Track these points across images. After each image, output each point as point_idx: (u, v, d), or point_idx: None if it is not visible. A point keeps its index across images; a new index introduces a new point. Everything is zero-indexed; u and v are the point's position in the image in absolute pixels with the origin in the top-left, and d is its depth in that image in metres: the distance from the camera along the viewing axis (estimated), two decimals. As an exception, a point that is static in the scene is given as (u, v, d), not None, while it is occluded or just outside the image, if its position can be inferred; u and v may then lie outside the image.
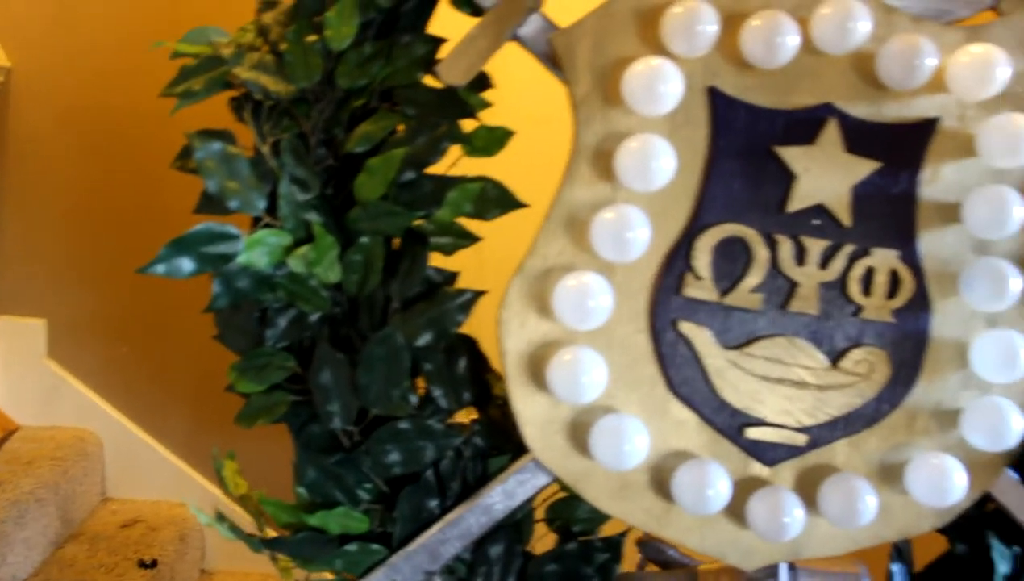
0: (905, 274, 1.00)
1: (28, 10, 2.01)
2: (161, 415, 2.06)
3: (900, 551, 1.12)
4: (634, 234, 0.96)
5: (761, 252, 0.99)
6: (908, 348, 1.01)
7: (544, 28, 1.04)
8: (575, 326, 0.97)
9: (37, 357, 2.03)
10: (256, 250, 1.00)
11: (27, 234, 2.06)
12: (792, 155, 0.99)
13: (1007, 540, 1.11)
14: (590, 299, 0.96)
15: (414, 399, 1.03)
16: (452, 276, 1.07)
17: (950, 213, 1.01)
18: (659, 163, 0.96)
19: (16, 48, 2.02)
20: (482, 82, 1.08)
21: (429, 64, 1.05)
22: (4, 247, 2.06)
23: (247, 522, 1.07)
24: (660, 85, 0.96)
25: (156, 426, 2.07)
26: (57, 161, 2.03)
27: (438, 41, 1.07)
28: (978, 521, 1.11)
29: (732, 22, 0.99)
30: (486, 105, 1.07)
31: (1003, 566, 1.09)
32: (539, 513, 1.11)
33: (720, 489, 0.98)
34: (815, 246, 1.00)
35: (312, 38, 1.03)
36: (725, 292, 1.00)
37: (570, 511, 1.07)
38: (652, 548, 1.09)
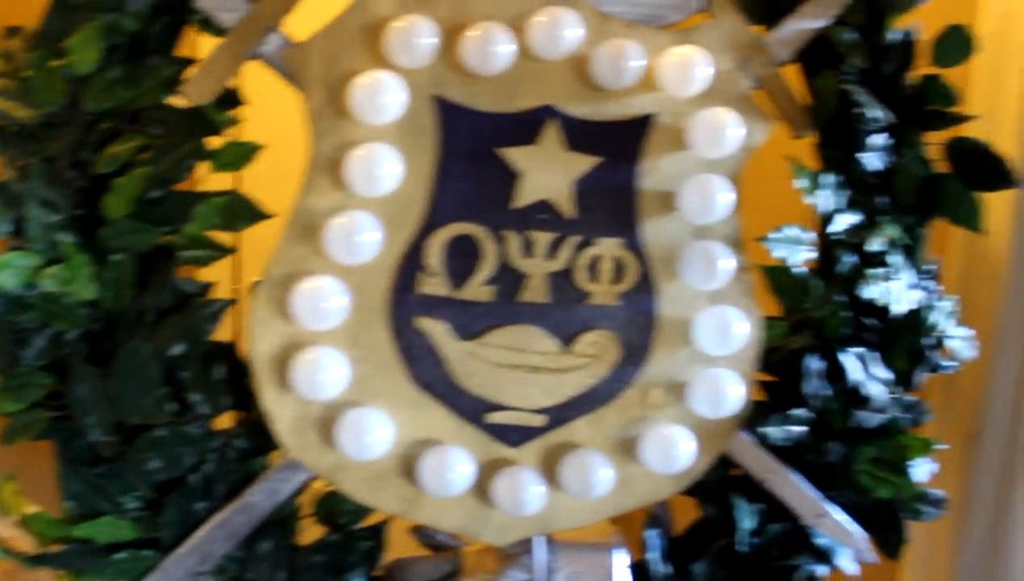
0: (629, 260, 1.09)
1: None
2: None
3: (655, 517, 1.21)
4: (363, 237, 1.03)
5: (490, 247, 1.07)
6: (636, 329, 1.10)
7: (283, 46, 1.10)
8: (313, 327, 1.04)
9: None
10: (4, 273, 1.03)
11: None
12: (515, 155, 1.07)
13: (753, 499, 1.21)
14: (323, 301, 1.03)
15: (171, 407, 1.07)
16: (206, 287, 1.12)
17: (668, 202, 1.10)
18: (384, 169, 1.03)
19: None
20: (230, 99, 1.13)
21: (175, 85, 1.10)
22: None
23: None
24: (382, 96, 1.03)
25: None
26: None
27: (185, 62, 1.12)
28: (725, 484, 1.21)
29: (455, 33, 1.06)
30: (234, 122, 1.13)
31: (746, 522, 1.19)
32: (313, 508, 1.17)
33: (461, 472, 1.06)
34: (542, 239, 1.08)
35: (57, 63, 1.07)
36: (458, 287, 1.07)
37: (335, 504, 1.14)
38: (424, 533, 1.16)
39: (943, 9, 1.24)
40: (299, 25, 1.11)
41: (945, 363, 1.25)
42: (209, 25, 1.11)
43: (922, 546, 1.44)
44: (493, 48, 1.04)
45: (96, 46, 1.07)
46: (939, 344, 1.26)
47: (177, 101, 1.11)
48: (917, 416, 1.25)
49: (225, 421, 1.14)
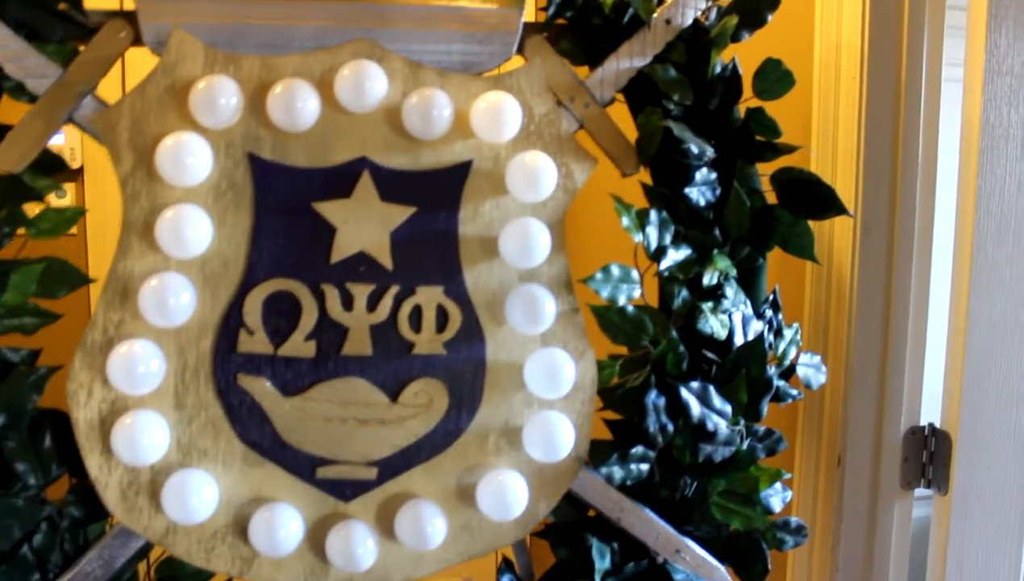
0: (452, 308, 1.11)
1: None
2: None
3: (509, 563, 1.22)
4: (177, 300, 1.04)
5: (310, 303, 1.08)
6: (466, 376, 1.12)
7: (98, 109, 1.12)
8: (132, 391, 1.05)
9: None
10: None
11: None
12: (330, 209, 1.09)
13: (609, 539, 1.22)
14: (140, 365, 1.04)
15: (-5, 479, 1.08)
16: (34, 354, 1.12)
17: (490, 247, 1.12)
18: (194, 231, 1.04)
19: None
20: (52, 164, 1.14)
21: (-8, 153, 1.11)
22: None
23: None
24: (188, 158, 1.04)
25: None
26: None
27: (3, 129, 1.13)
28: (580, 525, 1.22)
29: (264, 90, 1.08)
30: (55, 187, 1.14)
31: (601, 562, 1.20)
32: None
33: (292, 529, 1.07)
34: (361, 291, 1.09)
35: None
36: (279, 344, 1.08)
37: (175, 568, 1.14)
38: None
39: (780, 39, 1.27)
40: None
41: (792, 392, 1.27)
42: (22, 91, 1.12)
43: (801, 570, 1.46)
44: (299, 104, 1.06)
45: (-95, 119, 1.07)
46: (789, 372, 1.29)
47: (-8, 171, 1.11)
48: (772, 445, 1.27)
49: (60, 490, 1.14)
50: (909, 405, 1.36)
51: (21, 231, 1.12)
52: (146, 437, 1.04)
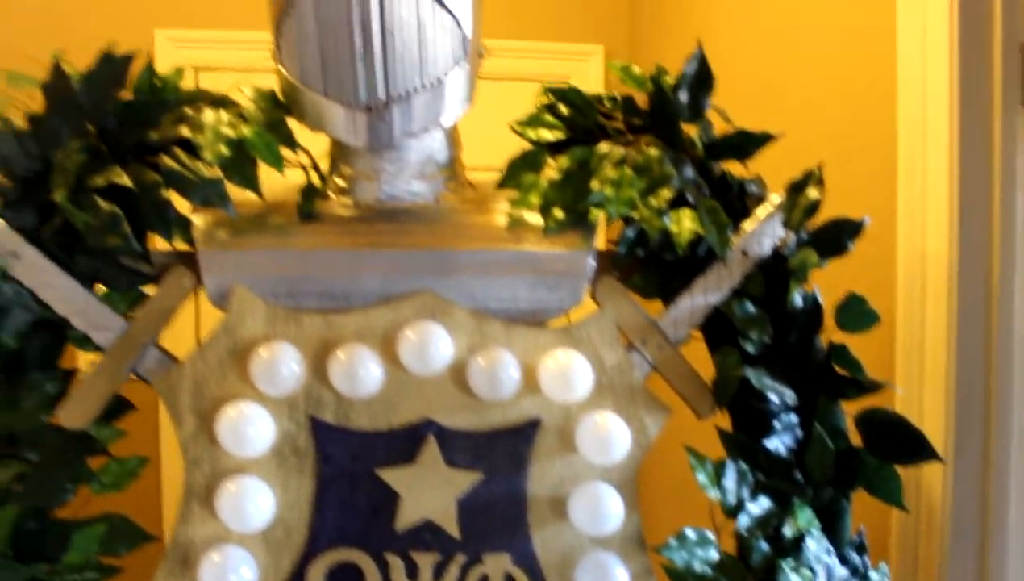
0: (520, 576, 1.09)
1: None
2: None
3: None
4: (237, 576, 1.03)
5: (373, 573, 1.07)
6: (529, 644, 1.09)
7: (162, 361, 1.13)
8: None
9: None
10: None
11: None
12: (394, 476, 1.08)
13: None
14: (199, 643, 1.03)
15: None
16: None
17: (559, 509, 1.10)
18: (255, 505, 1.04)
19: None
20: (115, 411, 1.15)
21: (57, 403, 1.12)
22: None
23: None
24: (249, 429, 1.04)
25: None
26: None
27: (69, 375, 1.14)
28: None
29: (326, 352, 1.08)
30: (120, 435, 1.14)
31: None
32: None
33: None
34: (426, 561, 1.08)
35: (-67, 390, 1.09)
36: (341, 616, 1.07)
37: None
38: None
39: (859, 261, 1.23)
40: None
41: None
42: (87, 341, 1.13)
43: None
44: (361, 372, 1.05)
45: (-26, 374, 1.09)
46: (874, 619, 1.23)
47: (57, 421, 1.13)
48: None
49: None
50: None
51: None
52: None
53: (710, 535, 1.13)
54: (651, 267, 1.19)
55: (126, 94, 1.14)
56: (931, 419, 1.26)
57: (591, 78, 2.62)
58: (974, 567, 1.28)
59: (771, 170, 1.23)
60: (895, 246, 1.37)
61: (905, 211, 1.33)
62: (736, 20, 2.03)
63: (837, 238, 1.19)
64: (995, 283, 1.24)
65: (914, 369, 1.29)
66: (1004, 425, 1.25)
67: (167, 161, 1.10)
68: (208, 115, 1.11)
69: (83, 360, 1.18)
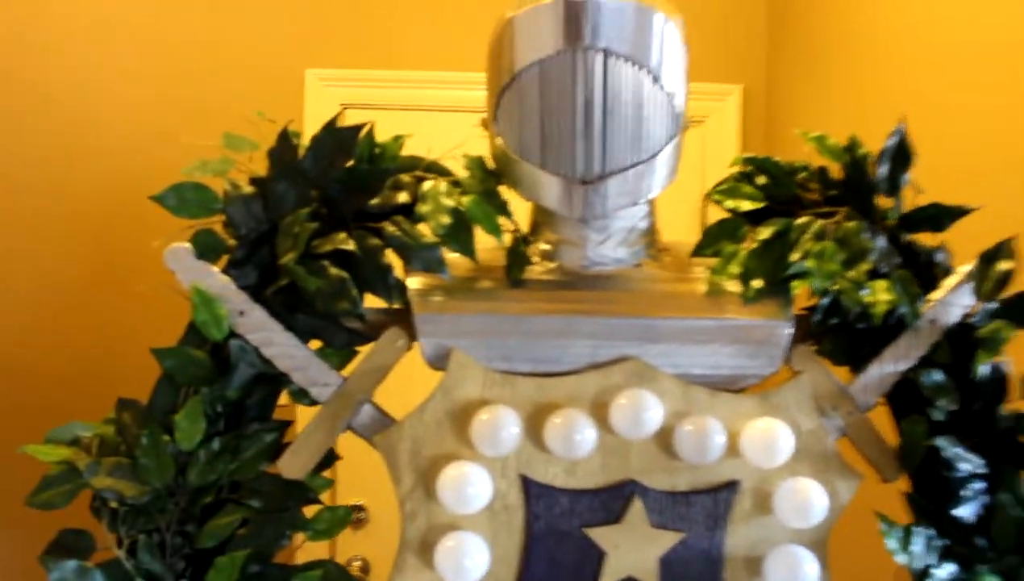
0: (716, 632, 1.16)
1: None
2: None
3: None
4: (454, 626, 1.12)
5: (578, 626, 1.15)
6: None
7: (375, 417, 1.22)
8: None
9: None
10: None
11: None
12: (600, 534, 1.16)
13: None
14: None
15: None
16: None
17: (755, 568, 1.17)
18: (474, 560, 1.13)
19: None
20: (325, 462, 1.24)
21: (276, 452, 1.22)
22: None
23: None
24: (470, 489, 1.13)
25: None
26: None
27: (284, 426, 1.24)
28: None
29: (540, 415, 1.16)
30: (329, 484, 1.24)
31: None
32: None
33: None
34: (629, 616, 1.16)
35: (165, 438, 1.20)
36: (546, 670, 1.15)
37: None
38: None
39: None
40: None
41: None
42: (304, 395, 1.23)
43: None
44: (577, 437, 1.13)
45: (200, 422, 1.20)
46: None
47: (275, 469, 1.23)
48: None
49: None
50: None
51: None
52: None
53: (900, 599, 1.19)
54: (841, 334, 1.26)
55: (347, 161, 1.24)
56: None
57: (729, 118, 2.68)
58: None
59: (956, 235, 1.28)
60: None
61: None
62: (888, 63, 2.08)
63: (1027, 309, 1.24)
64: None
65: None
66: None
67: (390, 229, 1.19)
68: (428, 185, 1.20)
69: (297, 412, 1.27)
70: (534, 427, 1.16)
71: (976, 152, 1.74)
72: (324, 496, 1.27)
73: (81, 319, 2.42)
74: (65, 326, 2.33)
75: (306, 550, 1.30)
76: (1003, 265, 1.24)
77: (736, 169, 1.29)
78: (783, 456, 1.16)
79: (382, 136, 1.26)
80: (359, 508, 2.61)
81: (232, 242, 1.24)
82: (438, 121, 2.24)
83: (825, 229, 1.22)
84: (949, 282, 1.25)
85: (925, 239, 1.29)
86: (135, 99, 2.56)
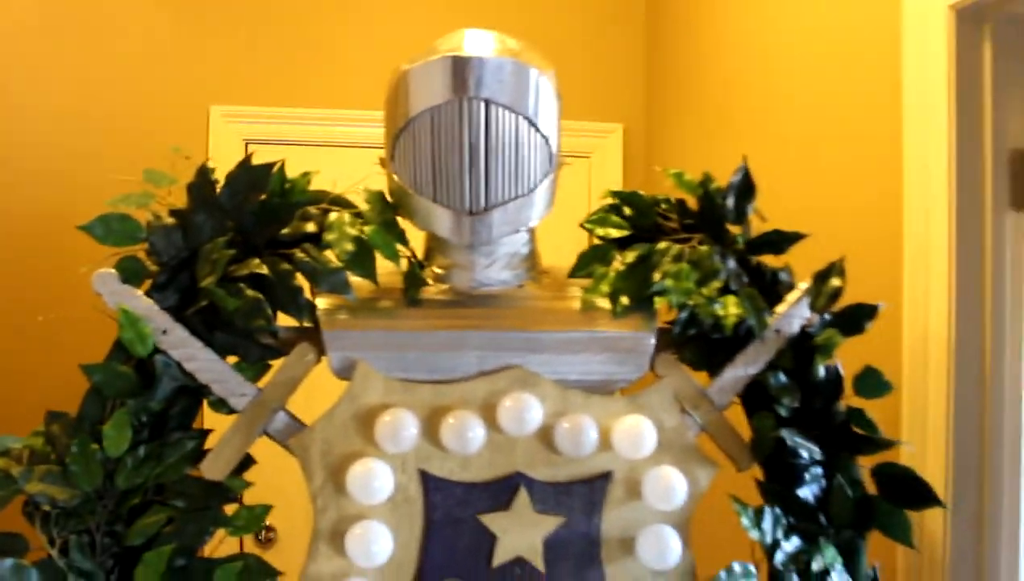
0: (594, 604, 1.35)
1: None
2: None
3: None
4: (362, 606, 1.28)
5: (473, 603, 1.33)
6: (603, 662, 1.35)
7: (289, 423, 1.38)
8: None
9: None
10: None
11: None
12: (492, 520, 1.34)
13: None
14: (331, 665, 1.28)
15: None
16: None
17: (628, 547, 1.36)
18: (379, 545, 1.29)
19: None
20: (243, 465, 1.40)
21: (197, 457, 1.37)
22: None
23: None
24: (375, 482, 1.30)
25: None
26: None
27: (204, 434, 1.39)
28: None
29: (435, 416, 1.34)
30: (246, 485, 1.39)
31: None
32: None
33: None
34: (518, 591, 1.33)
35: (93, 447, 1.34)
36: (446, 639, 1.32)
37: None
38: None
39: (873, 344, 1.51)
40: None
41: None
42: (223, 405, 1.39)
43: None
44: (469, 434, 1.31)
45: (127, 431, 1.34)
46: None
47: (197, 472, 1.38)
48: None
49: None
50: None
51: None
52: None
53: (752, 569, 1.40)
54: (699, 344, 1.47)
55: (259, 195, 1.40)
56: (933, 471, 1.54)
57: (612, 153, 2.93)
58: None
59: (797, 256, 1.51)
60: (901, 326, 1.66)
61: (910, 297, 1.62)
62: (749, 105, 2.34)
63: (856, 320, 1.47)
64: (988, 358, 1.53)
65: (917, 430, 1.57)
66: (996, 476, 1.53)
67: (300, 255, 1.36)
68: (333, 217, 1.38)
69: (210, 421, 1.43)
70: (431, 428, 1.34)
71: (818, 182, 1.99)
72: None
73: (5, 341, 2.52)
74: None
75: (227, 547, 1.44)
76: (834, 282, 1.47)
77: (606, 201, 1.50)
78: (648, 448, 1.35)
79: (290, 172, 1.43)
80: (268, 528, 2.75)
81: (154, 268, 1.39)
82: (336, 156, 2.44)
83: (682, 253, 1.43)
84: (790, 297, 1.47)
85: (772, 261, 1.52)
86: (51, 128, 2.69)
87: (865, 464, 1.47)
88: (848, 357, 1.47)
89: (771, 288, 1.49)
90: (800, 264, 1.50)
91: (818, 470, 1.44)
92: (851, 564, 1.47)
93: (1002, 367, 1.52)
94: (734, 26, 2.45)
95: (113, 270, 1.37)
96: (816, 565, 1.41)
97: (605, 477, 1.36)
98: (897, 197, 1.67)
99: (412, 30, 2.58)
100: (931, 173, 1.58)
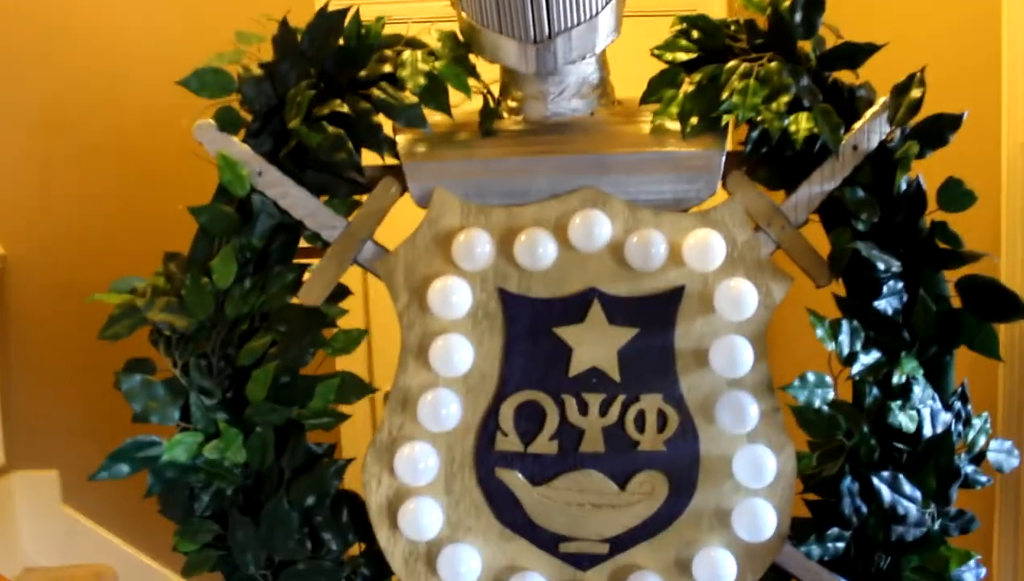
0: (671, 412, 1.44)
1: (16, 201, 2.57)
2: (169, 544, 2.57)
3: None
4: (447, 410, 1.42)
5: (552, 409, 1.44)
6: (683, 468, 1.44)
7: (377, 252, 1.51)
8: (413, 483, 1.43)
9: (54, 504, 2.57)
10: (177, 449, 1.48)
11: (35, 395, 2.62)
12: (567, 333, 1.44)
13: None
14: (420, 462, 1.42)
15: (308, 545, 1.49)
16: (331, 448, 1.53)
17: (702, 359, 1.44)
18: (459, 356, 1.42)
19: (8, 236, 2.58)
20: (339, 294, 1.55)
21: (296, 287, 1.53)
22: (16, 407, 2.61)
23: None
24: (454, 297, 1.42)
25: (166, 556, 2.58)
26: (55, 329, 2.59)
27: (303, 268, 1.54)
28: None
29: (511, 236, 1.44)
30: (343, 312, 1.54)
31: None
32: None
33: (541, 594, 1.43)
34: (594, 400, 1.44)
35: (204, 281, 1.51)
36: (529, 443, 1.44)
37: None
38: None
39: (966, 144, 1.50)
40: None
41: (982, 478, 1.52)
42: (317, 238, 1.53)
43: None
44: (540, 250, 1.41)
45: (232, 265, 1.50)
46: (980, 458, 1.53)
47: (297, 301, 1.53)
48: (964, 525, 1.53)
49: (353, 551, 1.55)
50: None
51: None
52: (424, 518, 1.43)
53: (828, 379, 1.45)
54: (774, 162, 1.51)
55: (338, 40, 1.52)
56: (1026, 285, 1.53)
57: (716, 5, 2.91)
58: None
59: (885, 72, 1.51)
60: (1000, 138, 1.64)
61: (1009, 105, 1.60)
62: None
63: (939, 131, 1.48)
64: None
65: (1019, 243, 1.57)
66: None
67: (377, 92, 1.47)
68: (407, 55, 1.49)
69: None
70: (506, 247, 1.44)
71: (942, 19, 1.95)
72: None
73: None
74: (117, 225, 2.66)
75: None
76: (914, 93, 1.48)
77: (675, 28, 1.55)
78: (717, 261, 1.42)
79: (370, 18, 1.55)
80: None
81: (248, 116, 1.54)
82: (412, 5, 2.47)
83: (751, 70, 1.47)
84: (868, 113, 1.49)
85: (855, 79, 1.53)
86: (158, 25, 2.87)
87: (953, 280, 1.48)
88: (943, 173, 1.47)
89: (849, 105, 1.51)
90: (888, 81, 1.51)
91: (898, 283, 1.47)
92: (938, 381, 1.50)
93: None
94: None
95: (211, 120, 1.52)
96: (896, 378, 1.45)
97: (678, 291, 1.44)
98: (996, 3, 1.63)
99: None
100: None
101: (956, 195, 1.46)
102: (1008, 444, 1.54)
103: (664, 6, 2.71)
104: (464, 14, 1.47)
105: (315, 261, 1.53)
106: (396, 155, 1.50)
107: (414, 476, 1.43)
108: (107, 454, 1.47)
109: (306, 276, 1.53)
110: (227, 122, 1.52)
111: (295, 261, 1.56)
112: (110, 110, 2.55)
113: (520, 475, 1.44)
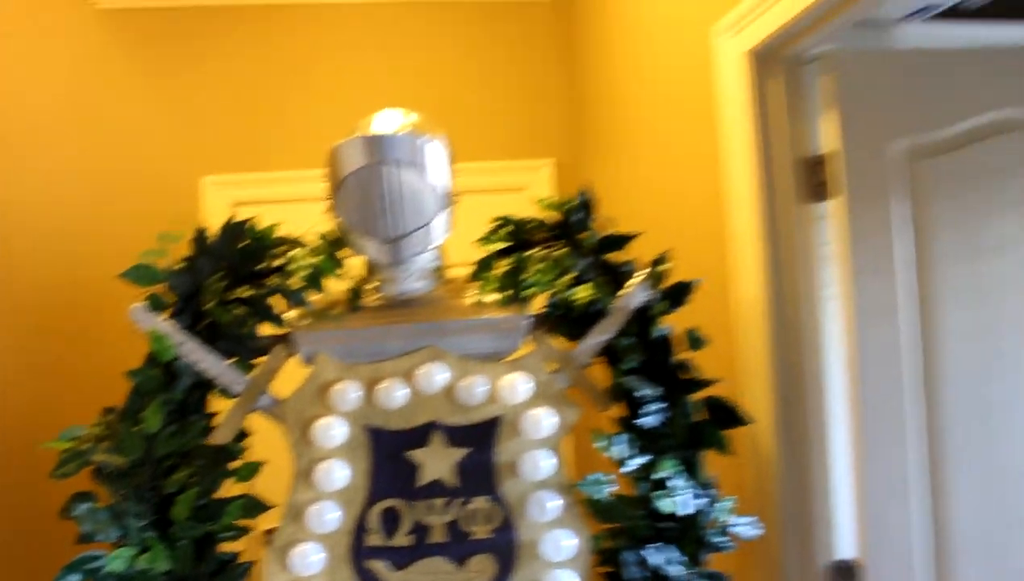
0: (495, 509, 2.02)
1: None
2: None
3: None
4: (331, 516, 1.97)
5: (407, 512, 2.01)
6: (506, 550, 2.01)
7: (271, 400, 2.08)
8: (304, 574, 1.97)
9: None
10: (116, 561, 1.98)
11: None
12: (416, 455, 2.02)
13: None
14: (308, 558, 1.96)
15: (223, 634, 2.00)
16: (236, 555, 2.06)
17: (514, 469, 2.04)
18: (338, 475, 1.98)
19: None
20: (242, 435, 2.10)
21: (209, 431, 2.07)
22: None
23: None
24: (332, 431, 1.99)
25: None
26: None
27: (212, 415, 2.10)
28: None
29: (374, 384, 2.04)
30: (244, 449, 2.10)
31: (605, 671, 2.07)
32: None
33: (404, 656, 1.97)
34: (438, 502, 2.01)
35: (136, 428, 2.05)
36: (390, 538, 2.00)
37: None
38: None
39: (715, 309, 2.19)
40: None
41: (729, 544, 2.14)
42: (226, 392, 2.09)
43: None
44: (395, 394, 2.00)
45: (159, 415, 2.05)
46: (725, 531, 2.16)
47: (210, 442, 2.08)
48: (718, 579, 2.14)
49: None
50: (825, 542, 2.22)
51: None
52: (315, 603, 1.96)
53: (606, 477, 2.07)
54: (566, 321, 2.15)
55: (242, 242, 2.12)
56: (761, 404, 2.20)
57: (544, 186, 3.64)
58: (798, 498, 2.21)
59: (652, 250, 2.19)
60: (728, 295, 2.33)
61: (732, 273, 2.30)
62: (641, 147, 3.05)
63: (680, 294, 2.16)
64: (800, 316, 2.21)
65: (751, 371, 2.24)
66: (814, 403, 2.20)
67: (273, 281, 2.07)
68: (293, 252, 2.09)
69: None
70: (370, 393, 2.03)
71: (665, 193, 2.68)
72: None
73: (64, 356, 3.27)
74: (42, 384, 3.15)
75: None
76: (661, 267, 2.15)
77: (493, 224, 2.20)
78: (523, 395, 2.04)
79: (266, 225, 2.15)
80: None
81: (172, 299, 2.11)
82: (306, 209, 3.12)
83: (546, 256, 2.13)
84: (632, 281, 2.16)
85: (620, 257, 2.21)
86: (69, 196, 3.45)
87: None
88: (693, 323, 2.14)
89: (619, 277, 2.17)
90: (655, 251, 2.19)
91: (662, 405, 2.11)
92: (693, 475, 2.13)
93: (800, 320, 2.19)
94: (619, 66, 3.16)
95: (144, 303, 2.08)
96: (660, 474, 2.08)
97: (497, 419, 2.05)
98: (718, 199, 2.36)
99: (366, 100, 3.32)
100: (740, 179, 2.27)
101: (695, 338, 2.13)
102: (753, 519, 2.17)
103: (501, 183, 3.44)
104: (338, 219, 2.09)
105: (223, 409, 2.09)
106: (286, 326, 2.08)
107: (304, 568, 1.97)
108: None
109: (216, 421, 2.08)
110: (156, 305, 2.09)
111: (207, 411, 2.10)
112: (24, 271, 3.08)
113: (385, 564, 2.00)
